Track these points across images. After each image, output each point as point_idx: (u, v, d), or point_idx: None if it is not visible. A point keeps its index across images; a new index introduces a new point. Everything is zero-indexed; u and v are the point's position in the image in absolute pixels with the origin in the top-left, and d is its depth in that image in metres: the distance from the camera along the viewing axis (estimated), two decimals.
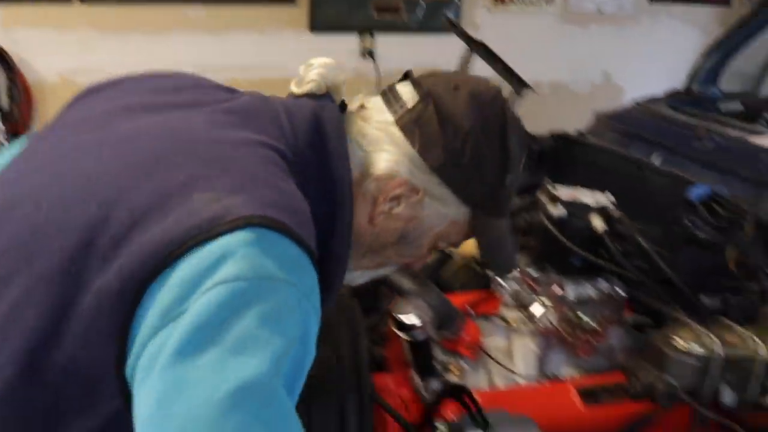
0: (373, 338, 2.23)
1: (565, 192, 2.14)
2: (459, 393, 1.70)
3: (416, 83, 1.29)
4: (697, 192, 2.21)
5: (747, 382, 1.73)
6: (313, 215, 1.10)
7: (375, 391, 1.82)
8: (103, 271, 0.97)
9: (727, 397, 1.71)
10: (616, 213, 2.12)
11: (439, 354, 2.11)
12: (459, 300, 2.34)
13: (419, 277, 2.11)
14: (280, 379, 0.93)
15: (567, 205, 2.10)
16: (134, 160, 1.08)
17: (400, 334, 2.00)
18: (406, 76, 1.34)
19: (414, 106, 1.25)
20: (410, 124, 1.24)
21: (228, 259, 0.94)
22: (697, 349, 1.70)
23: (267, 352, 0.91)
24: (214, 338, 0.90)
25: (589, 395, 1.96)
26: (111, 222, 1.00)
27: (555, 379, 2.12)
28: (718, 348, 1.68)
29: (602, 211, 2.10)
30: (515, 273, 2.22)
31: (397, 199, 1.25)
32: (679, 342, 1.71)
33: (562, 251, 2.10)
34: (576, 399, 1.95)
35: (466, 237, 1.37)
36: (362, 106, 1.31)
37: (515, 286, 2.22)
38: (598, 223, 2.06)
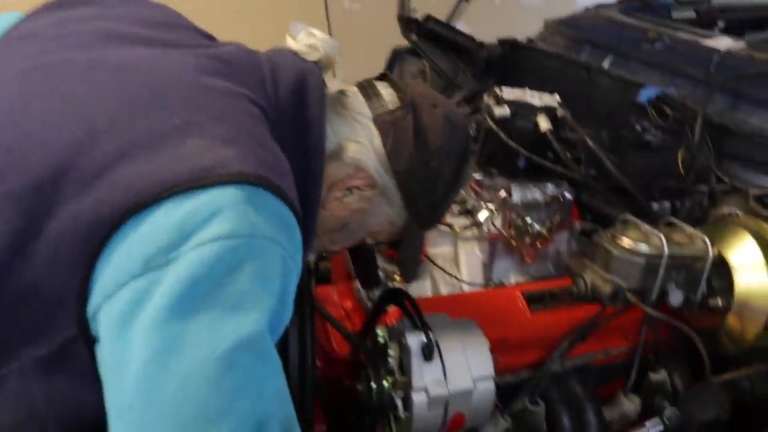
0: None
1: (510, 93, 2.07)
2: (399, 297, 1.64)
3: (397, 88, 1.34)
4: (646, 94, 2.15)
5: (695, 283, 1.68)
6: None
7: (317, 303, 1.76)
8: (80, 196, 0.94)
9: (675, 297, 1.67)
10: (562, 113, 2.05)
11: (383, 263, 2.05)
12: None
13: None
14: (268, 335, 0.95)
15: (512, 105, 2.02)
16: (129, 93, 1.05)
17: None
18: (384, 76, 1.40)
19: (395, 110, 1.31)
20: (388, 125, 1.29)
21: (221, 214, 0.93)
22: (643, 247, 1.64)
23: (260, 310, 0.93)
24: (210, 295, 0.90)
25: (535, 300, 1.92)
26: (96, 150, 0.97)
27: (501, 286, 2.07)
28: (665, 247, 1.62)
29: (548, 111, 2.03)
30: None
31: (351, 189, 1.30)
32: (626, 241, 1.65)
33: (507, 153, 2.04)
34: (522, 304, 1.90)
35: (393, 239, 1.49)
36: (342, 92, 1.34)
37: (461, 192, 2.16)
38: (543, 122, 1.99)
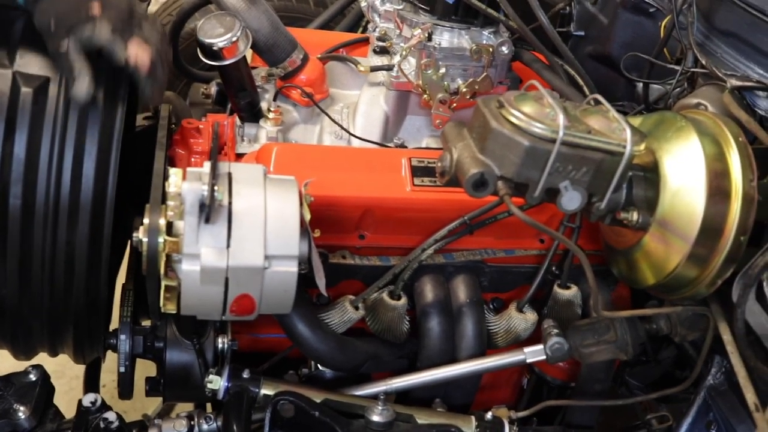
0: None
1: None
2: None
3: None
4: None
5: (603, 186, 1.25)
6: None
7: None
8: None
9: (569, 200, 1.24)
10: None
11: (268, 96, 1.68)
12: (334, 38, 1.87)
13: None
14: None
15: None
16: None
17: (208, 61, 1.56)
18: None
19: None
20: None
21: None
22: (534, 126, 1.20)
23: None
24: None
25: (423, 172, 1.50)
26: None
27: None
28: (561, 130, 1.18)
29: None
30: (386, 8, 1.72)
31: None
32: (514, 114, 1.22)
33: None
34: (405, 173, 1.49)
35: None
36: None
37: (381, 25, 1.73)
38: None
